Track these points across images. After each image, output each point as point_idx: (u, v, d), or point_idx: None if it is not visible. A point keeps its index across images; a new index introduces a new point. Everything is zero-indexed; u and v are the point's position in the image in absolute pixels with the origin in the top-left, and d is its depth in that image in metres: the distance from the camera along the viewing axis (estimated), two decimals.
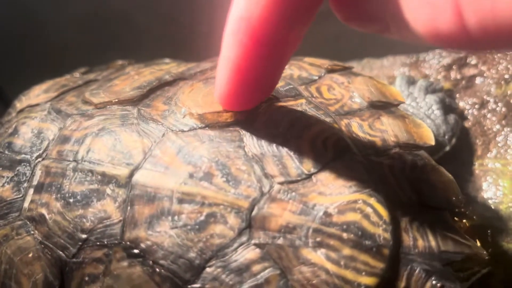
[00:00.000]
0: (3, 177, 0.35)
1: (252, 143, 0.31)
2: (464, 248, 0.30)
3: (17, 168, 0.34)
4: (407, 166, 0.32)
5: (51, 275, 0.31)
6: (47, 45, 0.65)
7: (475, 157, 0.46)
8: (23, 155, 0.35)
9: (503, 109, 0.47)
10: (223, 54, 0.25)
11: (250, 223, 0.28)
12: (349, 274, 0.27)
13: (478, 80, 0.49)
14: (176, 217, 0.29)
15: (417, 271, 0.29)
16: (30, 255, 0.31)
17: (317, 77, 0.39)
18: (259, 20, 0.23)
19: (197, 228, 0.28)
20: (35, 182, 0.33)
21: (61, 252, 0.31)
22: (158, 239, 0.29)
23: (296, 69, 0.40)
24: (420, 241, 0.30)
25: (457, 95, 0.49)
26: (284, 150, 0.31)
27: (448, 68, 0.51)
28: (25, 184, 0.33)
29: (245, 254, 0.28)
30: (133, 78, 0.39)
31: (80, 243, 0.30)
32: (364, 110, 0.36)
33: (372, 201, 0.29)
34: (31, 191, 0.33)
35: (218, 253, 0.28)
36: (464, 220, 0.38)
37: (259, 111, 0.33)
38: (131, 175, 0.30)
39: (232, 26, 0.24)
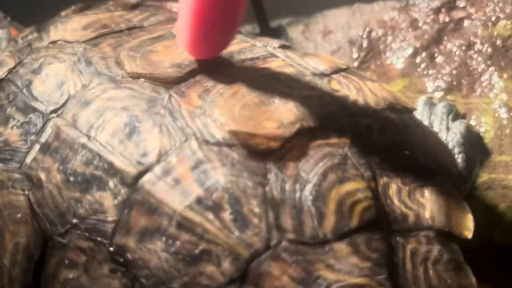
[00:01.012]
0: (15, 119, 0.33)
1: (275, 183, 0.28)
2: None
3: (30, 116, 0.32)
4: (432, 256, 0.29)
5: (34, 245, 0.30)
6: None
7: (460, 96, 0.48)
8: (39, 103, 0.32)
9: (489, 50, 0.49)
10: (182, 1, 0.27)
11: (245, 275, 0.26)
12: None
13: (466, 23, 0.51)
14: (170, 241, 0.26)
15: None
16: (19, 215, 0.30)
17: (372, 111, 0.35)
18: None
19: (188, 260, 0.26)
20: (43, 139, 0.31)
21: (48, 226, 0.29)
22: (146, 256, 0.27)
23: (353, 91, 0.36)
24: None
25: (445, 38, 0.51)
26: (307, 204, 0.27)
27: (437, 11, 0.52)
28: (33, 137, 0.31)
29: None
30: (177, 48, 0.34)
31: (69, 226, 0.29)
32: (409, 170, 0.32)
33: None
34: (37, 147, 0.31)
35: None
36: None
37: (296, 142, 0.29)
38: (139, 176, 0.28)
39: None
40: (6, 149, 0.32)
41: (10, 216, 0.30)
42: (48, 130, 0.31)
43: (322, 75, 0.37)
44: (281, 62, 0.37)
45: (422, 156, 0.33)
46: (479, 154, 0.42)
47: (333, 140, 0.31)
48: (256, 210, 0.27)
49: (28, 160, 0.31)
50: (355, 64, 0.53)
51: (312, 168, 0.29)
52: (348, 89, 0.36)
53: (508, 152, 0.45)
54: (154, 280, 0.26)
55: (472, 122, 0.47)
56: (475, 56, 0.50)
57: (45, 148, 0.30)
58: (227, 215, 0.27)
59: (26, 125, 0.32)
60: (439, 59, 0.50)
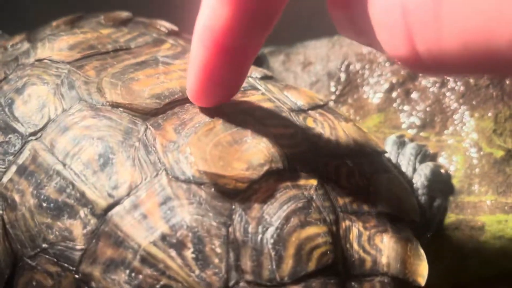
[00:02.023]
0: None
1: (239, 225, 0.29)
2: None
3: (9, 136, 0.33)
4: None
5: (4, 263, 0.31)
6: None
7: (433, 133, 0.50)
8: (19, 124, 0.33)
9: (462, 88, 0.51)
10: (192, 55, 0.29)
11: None
12: None
13: None
14: (133, 274, 0.28)
15: None
16: None
17: (343, 153, 0.36)
18: (221, 30, 0.26)
19: None
20: (20, 161, 0.32)
21: (19, 247, 0.30)
22: (110, 286, 0.28)
23: (327, 130, 0.37)
24: None
25: (420, 74, 0.52)
26: (267, 247, 0.29)
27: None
28: (11, 157, 0.32)
29: None
30: (158, 77, 0.36)
31: (38, 249, 0.30)
32: (372, 216, 0.33)
33: None
34: (14, 168, 0.32)
35: None
36: None
37: (264, 184, 0.31)
38: (108, 208, 0.29)
39: (198, 33, 0.27)
40: None
41: None
42: (26, 153, 0.32)
43: (299, 110, 0.38)
44: (260, 96, 0.38)
45: (385, 202, 0.34)
46: (444, 196, 0.44)
47: (301, 182, 0.32)
48: (218, 250, 0.28)
49: (5, 180, 0.32)
50: (333, 97, 0.54)
51: (276, 211, 0.30)
52: (323, 127, 0.37)
53: (477, 192, 0.46)
54: None
55: (443, 160, 0.48)
56: (448, 93, 0.51)
57: (22, 170, 0.31)
58: (189, 254, 0.28)
59: (5, 145, 0.33)
60: (414, 95, 0.52)
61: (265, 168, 0.31)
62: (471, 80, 0.51)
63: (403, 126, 0.51)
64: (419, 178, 0.41)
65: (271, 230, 0.29)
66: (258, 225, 0.29)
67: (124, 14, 0.49)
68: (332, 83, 0.53)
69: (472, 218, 0.45)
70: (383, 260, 0.32)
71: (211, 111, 0.34)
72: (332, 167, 0.35)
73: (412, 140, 0.47)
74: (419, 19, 0.17)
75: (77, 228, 0.29)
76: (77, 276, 0.29)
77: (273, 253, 0.29)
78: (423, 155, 0.44)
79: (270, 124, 0.35)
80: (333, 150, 0.36)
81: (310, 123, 0.37)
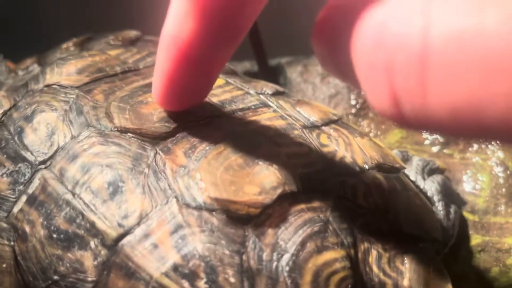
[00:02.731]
0: (5, 166, 0.33)
1: (253, 252, 0.28)
2: None
3: (19, 165, 0.33)
4: None
5: None
6: None
7: (457, 150, 0.48)
8: (28, 153, 0.33)
9: None
10: (157, 61, 0.29)
11: None
12: None
13: None
14: None
15: None
16: (4, 265, 0.31)
17: (359, 170, 0.35)
18: (185, 41, 0.26)
19: None
20: (30, 191, 0.32)
21: (31, 279, 0.30)
22: None
23: (342, 146, 0.36)
24: None
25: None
26: (283, 275, 0.28)
27: None
28: (21, 187, 0.32)
29: None
30: None
31: (49, 282, 0.29)
32: (391, 236, 0.32)
33: None
34: (24, 198, 0.32)
35: None
36: None
37: (277, 208, 0.30)
38: (119, 239, 0.28)
39: (163, 40, 0.27)
40: None
41: None
42: (36, 182, 0.32)
43: (313, 127, 0.37)
44: (272, 113, 0.37)
45: (405, 221, 0.33)
46: (457, 205, 0.42)
47: (316, 204, 0.31)
48: (232, 280, 0.27)
49: (15, 210, 0.32)
50: (353, 110, 0.53)
51: (291, 236, 0.29)
52: (337, 144, 0.36)
53: (503, 213, 0.45)
54: None
55: (468, 179, 0.47)
56: None
57: (32, 200, 0.31)
58: (202, 284, 0.27)
59: (15, 174, 0.33)
60: None
61: (278, 191, 0.30)
62: None
63: (426, 142, 0.49)
64: (432, 184, 0.40)
65: (286, 257, 0.28)
66: (272, 252, 0.28)
67: (133, 33, 0.49)
68: (353, 96, 0.52)
69: (499, 240, 0.43)
70: (405, 283, 0.30)
71: (221, 131, 0.33)
72: (349, 186, 0.33)
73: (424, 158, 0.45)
74: (404, 82, 0.16)
75: (88, 260, 0.28)
76: None
77: (289, 281, 0.28)
78: (431, 168, 0.43)
79: (283, 143, 0.34)
80: (349, 168, 0.35)
81: (324, 140, 0.36)
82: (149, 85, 0.37)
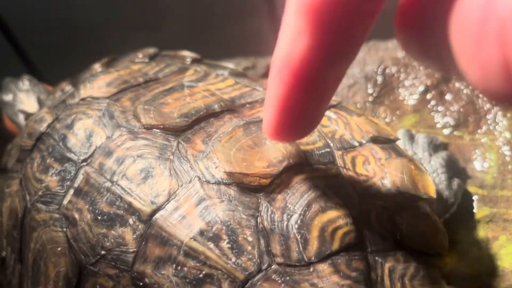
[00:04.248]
0: (53, 168, 0.39)
1: (266, 215, 0.33)
2: None
3: (65, 165, 0.39)
4: (408, 273, 0.33)
5: (71, 273, 0.36)
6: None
7: (467, 132, 0.52)
8: (72, 154, 0.39)
9: None
10: (269, 90, 0.27)
11: None
12: None
13: None
14: (179, 267, 0.32)
15: None
16: (59, 249, 0.36)
17: (357, 144, 0.39)
18: (299, 62, 0.24)
19: (194, 283, 0.31)
20: (76, 185, 0.37)
21: (82, 257, 0.35)
22: (160, 280, 0.32)
23: (341, 126, 0.41)
24: None
25: (454, 77, 0.54)
26: (293, 232, 0.32)
27: None
28: (68, 183, 0.38)
29: None
30: (185, 99, 0.40)
31: (98, 257, 0.34)
32: (390, 197, 0.36)
33: None
34: (71, 191, 0.37)
35: None
36: None
37: (284, 178, 0.34)
38: (152, 214, 0.33)
39: (276, 65, 0.26)
40: (47, 193, 0.39)
41: (52, 249, 0.37)
42: (80, 177, 0.37)
43: None
44: None
45: (401, 182, 0.37)
46: (462, 179, 0.46)
47: (319, 173, 0.36)
48: (250, 239, 0.32)
49: (65, 202, 0.37)
50: (370, 99, 0.57)
51: (298, 200, 0.33)
52: (337, 124, 0.41)
53: (510, 187, 0.48)
54: None
55: (478, 158, 0.50)
56: (481, 95, 0.53)
57: (78, 192, 0.37)
58: (225, 244, 0.32)
59: (63, 173, 0.38)
60: (448, 96, 0.54)
61: (284, 164, 0.35)
62: None
63: (438, 125, 0.53)
64: (437, 159, 0.44)
65: (295, 217, 0.33)
66: (283, 214, 0.33)
67: (151, 50, 0.55)
68: (370, 85, 0.56)
69: (506, 211, 0.47)
70: (404, 235, 0.34)
71: (233, 122, 0.38)
72: (349, 158, 0.38)
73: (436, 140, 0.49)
74: None
75: (128, 234, 0.34)
76: (132, 275, 0.33)
77: (298, 237, 0.32)
78: (435, 145, 0.47)
79: None
80: (348, 143, 0.39)
81: (325, 122, 0.41)
82: (168, 90, 0.43)
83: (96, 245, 0.35)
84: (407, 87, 0.54)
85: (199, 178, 0.34)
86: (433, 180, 0.44)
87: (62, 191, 0.38)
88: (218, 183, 0.34)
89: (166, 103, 0.40)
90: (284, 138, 0.30)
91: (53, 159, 0.40)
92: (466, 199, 0.46)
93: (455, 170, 0.46)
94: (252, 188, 0.34)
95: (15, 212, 0.41)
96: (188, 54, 0.53)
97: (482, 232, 0.45)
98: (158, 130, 0.38)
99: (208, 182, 0.34)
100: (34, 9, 0.65)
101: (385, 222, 0.35)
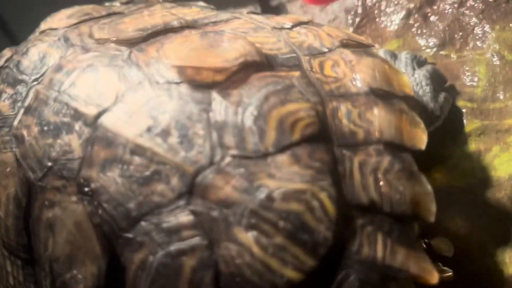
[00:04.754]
0: (6, 93, 0.37)
1: (219, 109, 0.30)
2: (411, 267, 0.27)
3: (17, 87, 0.37)
4: (382, 166, 0.30)
5: (21, 192, 0.33)
6: None
7: (453, 51, 0.49)
8: (24, 76, 0.37)
9: (481, 5, 0.50)
10: None
11: (191, 189, 0.28)
12: (273, 263, 0.27)
13: None
14: (125, 166, 0.29)
15: (351, 278, 0.27)
16: (8, 169, 0.34)
17: (327, 50, 0.36)
18: None
19: (141, 182, 0.29)
20: (26, 104, 0.35)
21: (31, 173, 0.33)
22: (106, 183, 0.29)
23: (311, 37, 0.38)
24: (365, 248, 0.28)
25: None
26: (249, 123, 0.29)
27: None
28: (19, 104, 0.36)
29: (179, 217, 0.28)
30: (142, 18, 0.38)
31: (45, 170, 0.32)
32: (361, 95, 0.33)
33: (323, 195, 0.28)
34: (22, 111, 0.35)
35: (155, 210, 0.28)
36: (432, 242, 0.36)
37: (241, 75, 0.32)
38: (98, 116, 0.31)
39: None
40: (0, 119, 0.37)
41: (2, 172, 0.34)
42: (30, 95, 0.35)
43: (282, 28, 0.39)
44: (243, 21, 0.39)
45: (374, 80, 0.34)
46: (449, 92, 0.42)
47: (281, 73, 0.33)
48: (201, 132, 0.29)
49: (15, 123, 0.35)
50: (351, 29, 0.54)
51: (255, 93, 0.31)
52: (306, 35, 0.38)
53: (502, 98, 0.45)
54: (114, 204, 0.29)
55: (466, 73, 0.47)
56: (467, 12, 0.50)
57: (27, 110, 0.35)
58: (174, 139, 0.29)
59: (15, 95, 0.36)
60: (432, 18, 0.51)
61: (240, 60, 0.32)
62: None
63: (423, 48, 0.50)
64: (421, 71, 0.40)
65: (250, 109, 0.30)
66: (237, 107, 0.30)
67: None
68: (350, 17, 0.54)
69: (498, 122, 0.43)
70: (376, 128, 0.31)
71: (191, 33, 0.36)
72: (317, 63, 0.35)
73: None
74: None
75: (74, 140, 0.31)
76: (78, 182, 0.30)
77: (254, 128, 0.29)
78: (419, 60, 0.43)
79: (249, 34, 0.36)
80: (316, 48, 0.36)
81: (293, 34, 0.38)
82: (128, 14, 0.41)
83: (43, 157, 0.32)
84: (389, 14, 0.51)
85: (149, 80, 0.32)
86: (416, 92, 0.40)
87: (13, 113, 0.36)
88: (168, 82, 0.31)
89: (122, 22, 0.38)
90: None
91: (6, 84, 0.38)
92: (454, 113, 0.42)
93: (442, 85, 0.42)
94: (205, 84, 0.31)
95: None
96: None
97: (473, 145, 0.41)
98: (112, 44, 0.35)
99: (157, 82, 0.31)
100: None
101: (355, 118, 0.32)
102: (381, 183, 0.29)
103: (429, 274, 0.27)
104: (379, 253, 0.28)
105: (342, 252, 0.28)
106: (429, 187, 0.30)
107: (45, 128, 0.33)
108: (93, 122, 0.31)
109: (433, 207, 0.29)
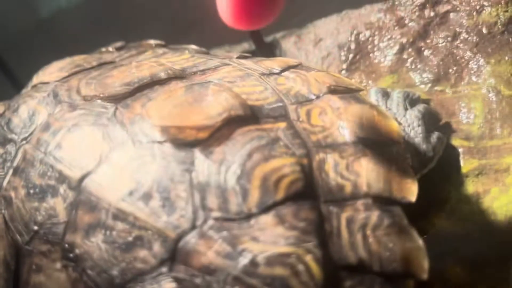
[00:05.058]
0: None
1: (202, 169, 0.29)
2: None
3: (7, 146, 0.37)
4: (370, 222, 0.29)
5: (9, 255, 0.33)
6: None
7: (448, 86, 0.48)
8: (13, 135, 0.37)
9: (475, 38, 0.49)
10: None
11: (174, 255, 0.27)
12: None
13: (451, 15, 0.51)
14: (108, 232, 0.29)
15: None
16: None
17: (314, 97, 0.36)
18: None
19: (124, 248, 0.28)
20: (15, 164, 0.35)
21: (18, 237, 0.33)
22: (90, 249, 0.29)
23: (299, 83, 0.37)
24: None
25: (431, 32, 0.51)
26: (231, 183, 0.29)
27: (422, 7, 0.53)
28: (8, 164, 0.36)
29: (162, 285, 0.27)
30: (130, 71, 0.38)
31: (32, 233, 0.32)
32: (348, 145, 0.32)
33: (308, 258, 0.27)
34: (11, 171, 0.35)
35: (138, 277, 0.28)
36: None
37: (225, 131, 0.31)
38: (81, 179, 0.31)
39: None
40: None
41: None
42: (19, 155, 0.35)
43: (271, 74, 0.39)
44: (231, 68, 0.39)
45: (361, 129, 0.33)
46: (442, 132, 0.41)
47: (266, 126, 0.32)
48: (183, 194, 0.29)
49: (4, 183, 0.35)
50: (344, 66, 0.54)
51: (238, 150, 0.30)
52: (294, 81, 0.38)
53: (500, 135, 0.43)
54: (98, 270, 0.29)
55: (462, 110, 0.46)
56: (461, 45, 0.49)
57: (16, 171, 0.35)
58: (155, 202, 0.29)
59: (4, 155, 0.37)
60: (426, 52, 0.50)
61: (224, 115, 0.32)
62: (484, 30, 0.49)
63: (417, 83, 0.49)
64: (412, 112, 0.39)
65: (233, 167, 0.29)
66: (220, 165, 0.29)
67: (119, 43, 0.53)
68: (343, 53, 0.53)
69: (497, 161, 0.42)
70: (363, 182, 0.30)
71: (178, 86, 0.36)
72: (304, 111, 0.34)
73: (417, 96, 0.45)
74: None
75: (59, 204, 0.31)
76: (63, 247, 0.30)
77: (237, 188, 0.28)
78: (411, 99, 0.42)
79: (236, 84, 0.36)
80: (304, 97, 0.36)
81: (281, 80, 0.38)
82: (117, 66, 0.41)
83: (29, 221, 0.32)
84: (382, 49, 0.50)
85: (132, 140, 0.31)
86: (408, 134, 0.39)
87: (3, 173, 0.36)
88: (151, 142, 0.31)
89: (110, 75, 0.38)
90: (245, 22, 0.28)
91: None
92: (450, 153, 0.41)
93: (436, 124, 0.41)
94: (188, 143, 0.31)
95: None
96: (153, 42, 0.51)
97: (471, 186, 0.39)
98: (99, 100, 0.35)
99: (140, 142, 0.31)
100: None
101: (342, 171, 0.31)
102: (370, 240, 0.28)
103: None
104: None
105: None
106: (420, 242, 0.29)
107: (31, 191, 0.32)
108: (77, 186, 0.31)
109: (425, 264, 0.28)
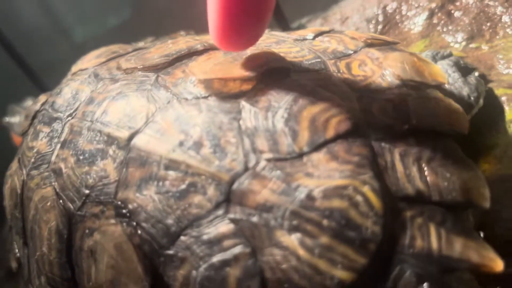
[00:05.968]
0: (42, 132, 0.38)
1: (249, 116, 0.30)
2: (472, 256, 0.25)
3: (53, 125, 0.38)
4: (424, 155, 0.28)
5: (62, 224, 0.33)
6: None
7: (484, 42, 0.47)
8: (58, 113, 0.38)
9: None
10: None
11: (229, 197, 0.27)
12: (322, 264, 0.25)
13: None
14: (161, 183, 0.29)
15: (407, 273, 0.25)
16: (49, 203, 0.34)
17: (352, 52, 0.36)
18: None
19: (178, 196, 0.28)
20: (62, 138, 0.36)
21: (70, 204, 0.33)
22: (143, 202, 0.29)
23: (334, 43, 0.37)
24: (418, 240, 0.26)
25: None
26: (280, 126, 0.29)
27: None
28: (56, 140, 0.36)
29: (219, 227, 0.27)
30: (167, 46, 0.39)
31: (83, 198, 0.32)
32: (392, 89, 0.32)
33: (366, 189, 0.26)
34: (58, 146, 0.36)
35: (194, 223, 0.28)
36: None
37: (268, 83, 0.31)
38: (130, 138, 0.31)
39: None
40: (38, 157, 0.37)
41: (43, 207, 0.35)
42: (66, 130, 0.36)
43: (304, 40, 0.39)
44: (264, 37, 0.40)
45: (404, 72, 0.33)
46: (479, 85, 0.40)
47: (308, 76, 0.32)
48: (233, 140, 0.29)
49: (53, 158, 0.36)
50: None
51: (283, 97, 0.30)
52: (329, 42, 0.38)
53: None
54: (152, 222, 0.29)
55: (500, 60, 0.45)
56: (491, 2, 0.49)
57: (64, 144, 0.35)
58: (206, 150, 0.29)
59: (51, 133, 0.37)
60: (457, 14, 0.50)
61: (265, 67, 0.32)
62: None
63: (451, 44, 0.49)
64: (444, 62, 0.39)
65: (280, 112, 0.29)
66: (267, 112, 0.30)
67: (150, 38, 0.55)
68: (371, 26, 0.53)
69: None
70: (412, 117, 0.30)
71: (217, 51, 0.36)
72: (343, 64, 0.34)
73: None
74: None
75: (109, 165, 0.31)
76: (116, 205, 0.30)
77: (286, 129, 0.28)
78: (443, 55, 0.42)
79: (272, 47, 0.36)
80: (342, 52, 0.36)
81: (316, 43, 0.38)
82: (153, 45, 0.42)
83: (80, 186, 0.32)
84: (411, 17, 0.50)
85: (178, 99, 0.32)
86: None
87: (51, 150, 0.37)
88: (196, 98, 0.31)
89: (148, 52, 0.39)
90: (232, 44, 0.29)
91: (42, 124, 0.39)
92: (493, 102, 0.40)
93: (469, 73, 0.40)
94: (233, 95, 0.31)
95: (14, 190, 0.40)
96: (183, 32, 0.53)
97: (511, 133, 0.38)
98: (140, 72, 0.36)
99: (186, 99, 0.32)
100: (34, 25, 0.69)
101: (390, 112, 0.30)
102: (426, 172, 0.28)
103: (493, 262, 0.25)
104: (434, 244, 0.26)
105: (394, 247, 0.26)
106: (478, 171, 0.28)
107: (81, 157, 0.33)
108: (126, 145, 0.31)
109: (486, 192, 0.27)
